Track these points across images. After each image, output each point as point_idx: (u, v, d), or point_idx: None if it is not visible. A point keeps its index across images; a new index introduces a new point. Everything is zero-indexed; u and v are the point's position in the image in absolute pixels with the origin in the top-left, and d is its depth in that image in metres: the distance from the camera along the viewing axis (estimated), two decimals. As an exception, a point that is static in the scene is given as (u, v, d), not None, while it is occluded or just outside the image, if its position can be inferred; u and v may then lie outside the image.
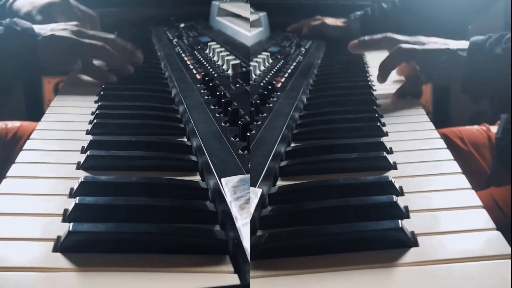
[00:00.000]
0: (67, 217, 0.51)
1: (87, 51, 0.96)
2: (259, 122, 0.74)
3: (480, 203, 0.53)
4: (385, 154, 0.65)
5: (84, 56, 0.98)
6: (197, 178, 0.62)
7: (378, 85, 1.02)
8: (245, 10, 1.38)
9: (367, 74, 1.12)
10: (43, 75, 1.64)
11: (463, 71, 0.86)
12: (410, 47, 0.90)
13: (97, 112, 0.81)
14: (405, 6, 1.42)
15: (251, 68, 1.01)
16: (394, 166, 0.64)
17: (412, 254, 0.45)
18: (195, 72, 1.02)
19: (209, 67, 1.05)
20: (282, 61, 1.18)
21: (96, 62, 1.02)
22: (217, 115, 0.75)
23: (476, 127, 1.20)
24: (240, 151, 0.62)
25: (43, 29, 0.92)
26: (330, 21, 1.54)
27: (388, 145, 0.69)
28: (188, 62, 1.11)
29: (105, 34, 1.00)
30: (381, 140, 0.70)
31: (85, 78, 1.01)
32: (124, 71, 1.00)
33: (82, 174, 0.60)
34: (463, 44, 0.88)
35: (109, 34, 1.02)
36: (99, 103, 0.86)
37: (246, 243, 0.44)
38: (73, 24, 0.97)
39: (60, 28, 0.94)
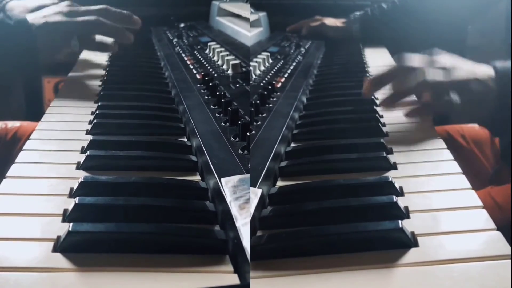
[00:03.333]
0: (67, 217, 0.51)
1: (83, 29, 0.95)
2: (259, 122, 0.74)
3: (480, 203, 0.53)
4: (385, 154, 0.65)
5: (81, 33, 0.97)
6: (197, 178, 0.62)
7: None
8: (245, 10, 1.38)
9: (367, 74, 1.12)
10: (44, 75, 1.64)
11: (493, 104, 0.77)
12: (435, 81, 0.77)
13: (97, 112, 0.81)
14: (405, 6, 1.42)
15: (251, 68, 1.01)
16: (394, 166, 0.64)
17: (412, 255, 0.45)
18: (195, 72, 1.02)
19: (209, 67, 1.05)
20: (282, 61, 1.18)
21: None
22: (217, 115, 0.75)
23: (478, 124, 1.20)
24: (240, 151, 0.62)
25: (36, 18, 0.91)
26: (329, 21, 1.54)
27: (388, 145, 0.69)
28: (188, 62, 1.11)
29: (97, 6, 0.99)
30: (381, 140, 0.70)
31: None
32: (123, 39, 1.00)
33: (82, 174, 0.60)
34: (487, 71, 0.78)
35: (101, 5, 1.00)
36: (99, 103, 0.86)
37: (246, 243, 0.44)
38: (65, 5, 0.96)
39: (52, 13, 0.94)
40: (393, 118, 0.82)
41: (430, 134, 0.75)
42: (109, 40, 1.03)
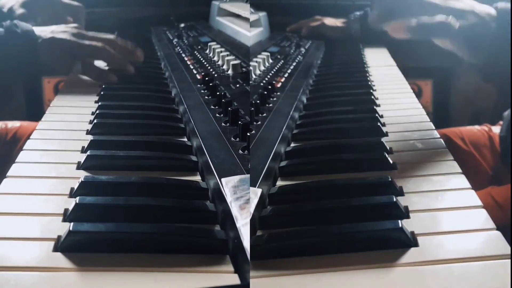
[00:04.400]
0: (67, 217, 0.51)
1: (87, 53, 0.97)
2: (259, 122, 0.74)
3: (480, 203, 0.53)
4: (385, 154, 0.65)
5: (84, 57, 0.98)
6: (197, 178, 0.62)
7: (378, 85, 1.02)
8: (245, 10, 1.38)
9: (367, 74, 1.12)
10: (44, 75, 1.64)
11: (488, 44, 0.73)
12: (432, 3, 0.73)
13: (97, 112, 0.81)
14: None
15: (251, 68, 1.01)
16: (394, 166, 0.64)
17: (412, 254, 0.46)
18: (195, 72, 1.02)
19: (209, 67, 1.05)
20: (282, 61, 1.18)
21: (96, 63, 1.02)
22: (217, 115, 0.75)
23: (477, 127, 1.20)
24: (240, 151, 0.62)
25: (44, 32, 0.93)
26: (329, 21, 1.54)
27: (388, 145, 0.69)
28: (188, 62, 1.11)
29: (105, 35, 1.00)
30: (381, 140, 0.70)
31: (85, 78, 1.01)
32: (124, 71, 1.01)
33: (82, 174, 0.60)
34: (489, 10, 0.75)
35: (109, 34, 1.02)
36: (99, 103, 0.86)
37: (246, 243, 0.44)
38: (73, 26, 0.97)
39: (60, 30, 0.95)
40: (393, 118, 0.82)
41: (429, 134, 0.75)
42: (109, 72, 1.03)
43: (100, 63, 1.03)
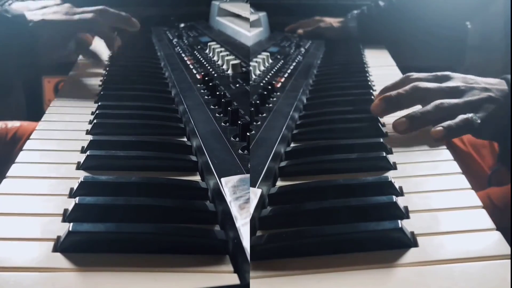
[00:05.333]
0: (67, 217, 0.51)
1: (80, 27, 0.96)
2: (259, 122, 0.74)
3: (480, 203, 0.53)
4: (385, 154, 0.65)
5: (77, 31, 0.97)
6: (197, 178, 0.62)
7: (378, 85, 1.02)
8: (245, 10, 1.38)
9: (367, 74, 1.12)
10: (44, 74, 1.64)
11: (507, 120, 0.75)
12: (450, 104, 0.74)
13: (97, 112, 0.81)
14: (402, 4, 1.42)
15: (251, 68, 1.01)
16: (394, 166, 0.64)
17: (412, 255, 0.45)
18: (195, 72, 1.02)
19: (209, 67, 1.05)
20: (282, 61, 1.18)
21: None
22: (217, 115, 0.75)
23: None
24: (240, 151, 0.62)
25: (35, 15, 0.92)
26: (326, 22, 1.53)
27: (388, 145, 0.69)
28: (188, 62, 1.11)
29: (96, 7, 0.99)
30: (381, 140, 0.70)
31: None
32: (127, 32, 0.99)
33: (82, 174, 0.60)
34: (501, 87, 0.76)
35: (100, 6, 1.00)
36: (99, 103, 0.86)
37: (246, 243, 0.44)
38: (65, 6, 0.97)
39: (51, 11, 0.94)
40: (393, 118, 0.82)
41: (429, 134, 0.75)
42: (103, 52, 1.02)
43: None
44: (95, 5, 1.10)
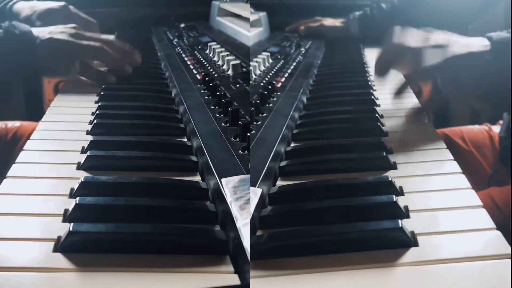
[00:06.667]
0: (67, 217, 0.51)
1: (85, 53, 0.97)
2: (259, 122, 0.74)
3: (480, 203, 0.53)
4: (385, 153, 0.65)
5: (82, 58, 0.98)
6: (197, 178, 0.62)
7: (378, 86, 1.02)
8: (245, 10, 1.38)
9: (367, 74, 1.12)
10: (43, 75, 1.64)
11: (490, 76, 0.75)
12: (429, 67, 0.76)
13: (97, 112, 0.81)
14: (404, 6, 1.42)
15: (251, 68, 1.01)
16: (394, 166, 0.64)
17: (412, 254, 0.46)
18: (195, 72, 1.02)
19: (209, 67, 1.05)
20: (282, 61, 1.18)
21: (95, 63, 1.02)
22: (217, 115, 0.75)
23: (477, 126, 1.20)
24: (240, 151, 0.62)
25: (42, 32, 0.93)
26: (328, 22, 1.53)
27: (388, 145, 0.69)
28: (189, 62, 1.11)
29: (103, 36, 1.00)
30: (381, 140, 0.70)
31: (85, 78, 1.01)
32: (122, 71, 1.00)
33: (82, 174, 0.60)
34: (483, 43, 0.76)
35: (107, 35, 1.02)
36: (99, 103, 0.86)
37: (246, 243, 0.44)
38: (71, 27, 0.97)
39: (58, 31, 0.95)
40: (393, 118, 0.82)
41: (429, 134, 0.75)
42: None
43: (99, 65, 1.03)
44: (95, 5, 1.11)
